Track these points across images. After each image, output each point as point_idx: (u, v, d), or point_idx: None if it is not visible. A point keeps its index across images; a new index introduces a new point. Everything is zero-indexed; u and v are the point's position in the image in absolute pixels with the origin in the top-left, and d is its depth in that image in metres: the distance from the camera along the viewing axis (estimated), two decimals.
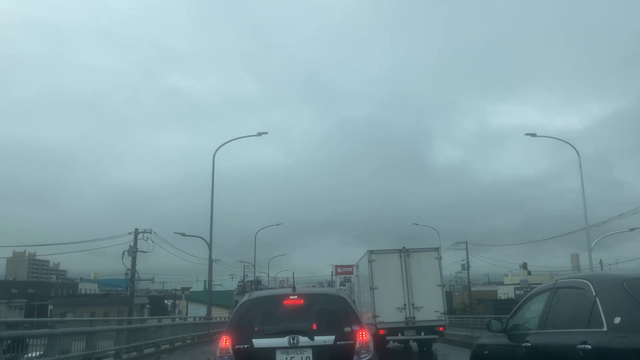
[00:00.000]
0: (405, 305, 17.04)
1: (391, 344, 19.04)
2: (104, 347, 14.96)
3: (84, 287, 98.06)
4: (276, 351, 6.25)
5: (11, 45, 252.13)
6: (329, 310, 6.73)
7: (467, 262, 57.42)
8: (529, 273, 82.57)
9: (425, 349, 18.90)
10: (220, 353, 6.40)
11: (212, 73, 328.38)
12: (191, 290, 76.98)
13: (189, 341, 23.98)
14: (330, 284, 71.92)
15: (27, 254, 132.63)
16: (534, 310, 5.41)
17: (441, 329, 17.46)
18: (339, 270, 67.86)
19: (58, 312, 54.74)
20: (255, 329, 6.49)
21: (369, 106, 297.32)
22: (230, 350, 6.34)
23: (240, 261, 68.66)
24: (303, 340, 6.24)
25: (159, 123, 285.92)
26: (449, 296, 51.03)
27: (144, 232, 34.64)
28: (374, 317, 16.91)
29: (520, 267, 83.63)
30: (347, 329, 6.40)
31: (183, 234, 37.16)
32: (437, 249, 18.57)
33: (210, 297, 34.08)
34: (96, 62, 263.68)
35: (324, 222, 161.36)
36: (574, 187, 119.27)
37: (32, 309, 63.24)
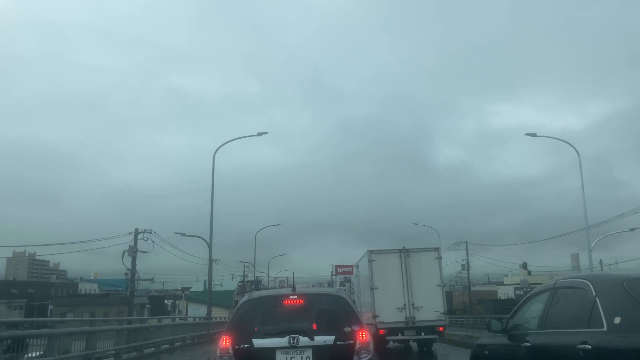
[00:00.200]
0: (405, 305, 17.04)
1: (391, 344, 19.04)
2: (104, 347, 14.95)
3: (84, 287, 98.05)
4: (276, 351, 6.25)
5: (11, 45, 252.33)
6: (329, 310, 6.73)
7: (467, 262, 57.43)
8: (529, 273, 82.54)
9: (425, 349, 18.90)
10: (220, 353, 6.40)
11: (213, 73, 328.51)
12: (191, 290, 76.87)
13: (189, 341, 23.98)
14: (330, 284, 71.93)
15: (27, 254, 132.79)
16: (534, 310, 5.41)
17: (441, 329, 17.45)
18: (339, 270, 67.88)
19: (58, 312, 54.74)
20: (255, 329, 6.49)
21: (369, 106, 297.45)
22: (230, 350, 6.34)
23: (240, 261, 68.76)
24: (303, 340, 6.24)
25: (159, 123, 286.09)
26: (449, 296, 51.06)
27: (144, 232, 34.67)
28: (374, 317, 16.91)
29: (520, 267, 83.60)
30: (347, 329, 6.41)
31: (183, 234, 37.18)
32: (437, 249, 18.57)
33: (210, 297, 34.10)
34: (96, 62, 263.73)
35: (324, 222, 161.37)
36: (574, 187, 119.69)
37: (32, 309, 63.26)
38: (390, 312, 16.94)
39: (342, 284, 58.72)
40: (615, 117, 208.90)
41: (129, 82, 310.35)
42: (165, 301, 76.77)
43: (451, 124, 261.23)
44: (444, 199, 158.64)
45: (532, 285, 49.71)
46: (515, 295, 62.32)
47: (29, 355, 11.60)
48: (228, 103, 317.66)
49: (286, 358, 6.26)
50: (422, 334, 17.11)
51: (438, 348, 19.60)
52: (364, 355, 6.32)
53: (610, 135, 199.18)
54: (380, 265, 17.58)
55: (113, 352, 15.55)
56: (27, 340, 11.55)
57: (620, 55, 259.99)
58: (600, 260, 55.80)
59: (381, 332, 16.76)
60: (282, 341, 6.25)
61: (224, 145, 31.71)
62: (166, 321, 24.25)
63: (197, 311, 53.38)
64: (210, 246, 31.49)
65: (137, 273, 37.62)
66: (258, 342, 6.29)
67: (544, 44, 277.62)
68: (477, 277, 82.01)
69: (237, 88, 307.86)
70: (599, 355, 3.80)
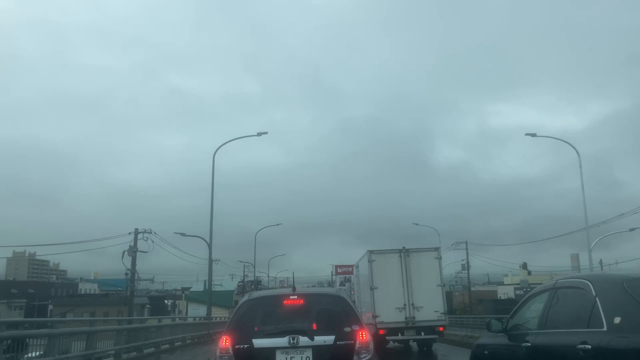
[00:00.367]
0: (405, 305, 17.03)
1: (391, 344, 19.03)
2: (104, 347, 14.95)
3: (84, 287, 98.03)
4: (276, 351, 6.25)
5: (11, 45, 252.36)
6: (329, 310, 6.72)
7: (467, 262, 57.42)
8: (529, 273, 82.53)
9: (425, 349, 18.89)
10: (220, 353, 6.40)
11: (213, 73, 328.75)
12: (191, 290, 76.88)
13: (189, 341, 23.98)
14: (330, 284, 71.91)
15: (27, 254, 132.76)
16: (534, 310, 5.41)
17: (441, 329, 17.44)
18: (339, 270, 67.85)
19: (58, 312, 54.74)
20: (255, 329, 6.49)
21: (369, 106, 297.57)
22: (230, 350, 6.34)
23: (240, 261, 68.74)
24: (303, 340, 6.24)
25: (159, 123, 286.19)
26: (449, 296, 51.04)
27: (144, 232, 34.66)
28: (374, 317, 16.90)
29: (520, 267, 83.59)
30: (347, 329, 6.40)
31: (183, 234, 37.17)
32: (437, 249, 18.57)
33: (210, 297, 34.09)
34: (96, 62, 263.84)
35: (324, 222, 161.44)
36: (574, 187, 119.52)
37: (32, 309, 63.25)
38: (390, 312, 16.93)
39: (342, 284, 58.70)
40: (615, 117, 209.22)
41: (129, 82, 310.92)
42: (165, 301, 76.80)
43: (451, 124, 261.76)
44: (444, 199, 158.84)
45: (532, 285, 49.72)
46: (515, 295, 62.32)
47: (29, 355, 11.60)
48: (228, 103, 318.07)
49: (286, 358, 6.25)
50: (422, 334, 17.10)
51: (438, 348, 19.60)
52: (364, 355, 6.31)
53: (610, 135, 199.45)
54: (380, 265, 17.58)
55: (113, 352, 15.54)
56: (27, 340, 11.56)
57: (620, 55, 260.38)
58: (600, 260, 55.82)
59: (381, 332, 16.75)
60: (282, 341, 6.25)
61: (224, 145, 31.75)
62: (166, 321, 24.25)
63: (197, 311, 53.42)
64: (210, 246, 31.50)
65: (137, 273, 37.61)
66: (258, 342, 6.28)
67: (544, 44, 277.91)
68: (477, 277, 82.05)
69: (237, 88, 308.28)
70: (599, 355, 3.80)
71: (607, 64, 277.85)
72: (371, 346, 6.44)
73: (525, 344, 5.03)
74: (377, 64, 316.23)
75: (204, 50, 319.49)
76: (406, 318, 16.95)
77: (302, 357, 6.25)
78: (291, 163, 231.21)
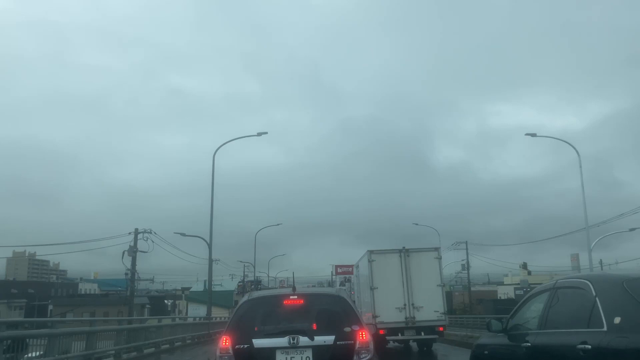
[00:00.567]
0: (405, 305, 17.04)
1: (391, 344, 19.03)
2: (104, 347, 14.94)
3: (84, 287, 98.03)
4: (276, 351, 6.25)
5: (11, 45, 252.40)
6: (329, 310, 6.72)
7: (467, 262, 57.42)
8: (529, 273, 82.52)
9: (425, 349, 18.89)
10: (220, 353, 6.40)
11: (213, 73, 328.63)
12: (191, 290, 76.85)
13: (189, 341, 23.98)
14: (330, 284, 71.91)
15: (27, 254, 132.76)
16: (534, 310, 5.41)
17: (441, 329, 17.45)
18: (339, 270, 67.84)
19: (58, 312, 54.75)
20: (255, 329, 6.49)
21: (369, 106, 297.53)
22: (230, 350, 6.34)
23: (240, 261, 68.75)
24: (303, 340, 6.24)
25: (159, 123, 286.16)
26: (449, 296, 51.01)
27: (144, 232, 34.66)
28: (374, 317, 16.90)
29: (520, 267, 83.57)
30: (347, 329, 6.40)
31: (183, 234, 37.18)
32: (437, 249, 18.57)
33: (210, 297, 34.10)
34: (96, 62, 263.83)
35: (324, 222, 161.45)
36: (574, 187, 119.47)
37: (32, 309, 63.23)
38: (390, 312, 16.93)
39: (342, 284, 58.70)
40: (615, 117, 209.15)
41: (129, 82, 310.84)
42: (165, 301, 76.77)
43: (451, 124, 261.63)
44: (444, 199, 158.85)
45: (532, 285, 49.72)
46: (515, 295, 62.32)
47: (29, 355, 11.60)
48: (228, 103, 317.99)
49: (286, 358, 6.25)
50: (422, 334, 17.11)
51: (438, 348, 19.60)
52: (364, 355, 6.31)
53: (610, 135, 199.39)
54: (380, 265, 17.58)
55: (113, 352, 15.54)
56: (27, 340, 11.55)
57: (620, 55, 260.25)
58: (600, 260, 55.80)
59: (381, 332, 16.76)
60: (282, 341, 6.25)
61: (224, 145, 31.74)
62: (166, 321, 24.25)
63: (197, 311, 53.37)
64: (210, 246, 31.50)
65: (137, 273, 37.61)
66: (258, 342, 6.28)
67: (544, 44, 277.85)
68: (477, 277, 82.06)
69: (237, 88, 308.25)
70: (599, 355, 3.80)
71: (607, 64, 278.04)
72: (371, 346, 6.44)
73: (525, 344, 5.03)
74: (377, 64, 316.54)
75: (204, 50, 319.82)
76: (406, 318, 16.95)
77: (302, 357, 6.24)
78: (291, 163, 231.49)
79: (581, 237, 34.90)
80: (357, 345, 6.33)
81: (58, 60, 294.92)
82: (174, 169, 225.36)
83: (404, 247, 17.79)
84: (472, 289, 64.66)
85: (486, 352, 6.32)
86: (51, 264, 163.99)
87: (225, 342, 6.40)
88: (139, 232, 34.67)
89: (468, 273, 58.79)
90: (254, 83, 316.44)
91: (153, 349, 18.99)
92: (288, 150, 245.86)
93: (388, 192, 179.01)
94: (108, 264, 77.17)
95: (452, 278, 66.04)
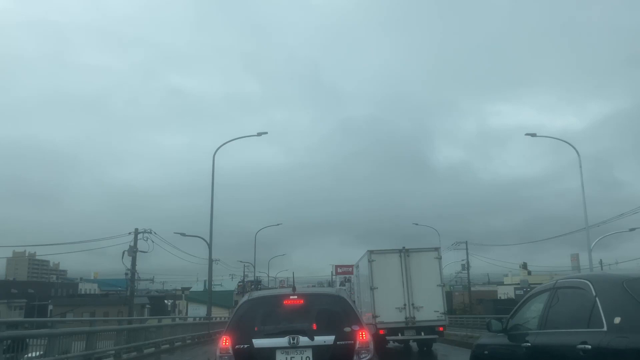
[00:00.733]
0: (405, 305, 17.04)
1: (391, 344, 19.03)
2: (104, 347, 14.94)
3: (84, 287, 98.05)
4: (276, 351, 6.25)
5: (11, 45, 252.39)
6: (329, 310, 6.72)
7: (467, 262, 57.43)
8: (529, 273, 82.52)
9: (425, 349, 18.90)
10: (220, 353, 6.40)
11: (213, 73, 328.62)
12: (191, 290, 76.85)
13: (189, 341, 23.98)
14: (330, 284, 71.90)
15: (27, 254, 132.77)
16: (534, 310, 5.41)
17: (441, 329, 17.45)
18: (339, 270, 67.83)
19: (58, 312, 54.75)
20: (255, 329, 6.49)
21: (369, 106, 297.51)
22: (230, 350, 6.34)
23: (240, 261, 68.76)
24: (303, 340, 6.24)
25: (159, 123, 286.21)
26: (449, 296, 51.02)
27: (144, 232, 34.67)
28: (374, 317, 16.90)
29: (520, 267, 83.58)
30: (347, 329, 6.40)
31: (183, 234, 37.18)
32: (437, 249, 18.57)
33: (210, 297, 34.10)
34: (96, 62, 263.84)
35: (324, 222, 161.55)
36: (574, 187, 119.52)
37: (32, 309, 63.23)
38: (390, 312, 16.93)
39: (342, 284, 58.67)
40: (615, 117, 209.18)
41: (129, 82, 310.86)
42: (165, 301, 76.81)
43: (451, 124, 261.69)
44: (444, 199, 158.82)
45: (532, 285, 49.72)
46: (515, 295, 62.31)
47: (29, 355, 11.60)
48: (228, 103, 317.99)
49: (286, 358, 6.25)
50: (422, 334, 17.11)
51: (438, 348, 19.60)
52: (364, 355, 6.31)
53: (610, 135, 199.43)
54: (380, 265, 17.58)
55: (113, 352, 15.54)
56: (27, 340, 11.55)
57: (620, 55, 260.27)
58: (600, 260, 55.81)
59: (381, 332, 16.76)
60: (282, 341, 6.25)
61: (224, 145, 31.75)
62: (166, 321, 24.24)
63: (197, 311, 53.37)
64: (210, 246, 31.50)
65: (137, 273, 37.62)
66: (258, 342, 6.28)
67: (544, 44, 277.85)
68: (477, 277, 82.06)
69: (237, 88, 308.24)
70: (599, 355, 3.80)
71: (607, 64, 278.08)
72: (371, 346, 6.44)
73: (525, 344, 5.03)
74: (377, 64, 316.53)
75: (204, 50, 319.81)
76: (406, 318, 16.95)
77: (302, 357, 6.24)
78: (291, 163, 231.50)
79: (581, 237, 34.94)
80: (357, 345, 6.32)
81: (58, 60, 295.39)
82: (174, 169, 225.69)
83: (404, 247, 17.79)
84: (472, 289, 64.65)
85: (486, 352, 6.32)
86: (51, 264, 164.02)
87: (225, 342, 6.40)
88: (139, 232, 34.68)
89: (468, 273, 58.80)
90: (254, 83, 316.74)
91: (153, 349, 18.99)
92: (288, 150, 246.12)
93: (388, 192, 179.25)
94: (108, 264, 77.28)
95: (452, 278, 66.04)
